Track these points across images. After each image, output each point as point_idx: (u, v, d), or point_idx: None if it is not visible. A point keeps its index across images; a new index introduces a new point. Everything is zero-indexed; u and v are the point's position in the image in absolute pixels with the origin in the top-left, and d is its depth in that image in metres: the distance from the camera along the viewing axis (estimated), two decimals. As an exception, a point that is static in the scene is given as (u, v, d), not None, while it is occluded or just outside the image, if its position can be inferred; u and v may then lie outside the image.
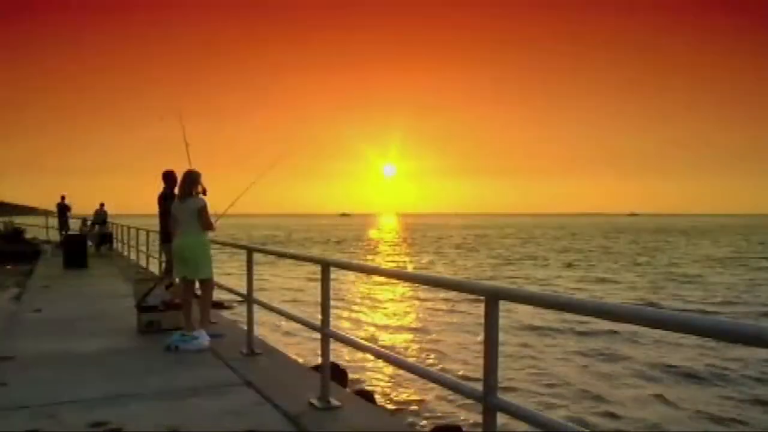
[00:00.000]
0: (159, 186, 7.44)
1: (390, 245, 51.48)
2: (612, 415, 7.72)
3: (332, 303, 4.02)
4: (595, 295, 19.30)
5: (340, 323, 13.64)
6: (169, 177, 7.22)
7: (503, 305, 2.30)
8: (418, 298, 17.98)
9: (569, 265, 30.15)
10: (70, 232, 18.05)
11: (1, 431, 3.44)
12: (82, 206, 21.91)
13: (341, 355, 9.77)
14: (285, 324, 12.26)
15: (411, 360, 9.09)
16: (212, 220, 5.96)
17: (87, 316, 7.38)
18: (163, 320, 6.33)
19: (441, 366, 9.99)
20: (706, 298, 18.52)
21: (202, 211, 5.76)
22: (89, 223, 20.41)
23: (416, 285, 18.32)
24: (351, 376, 8.87)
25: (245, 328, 5.62)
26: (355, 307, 16.57)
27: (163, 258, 8.89)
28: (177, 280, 6.33)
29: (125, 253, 16.64)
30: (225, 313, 10.25)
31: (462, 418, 7.34)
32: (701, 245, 48.58)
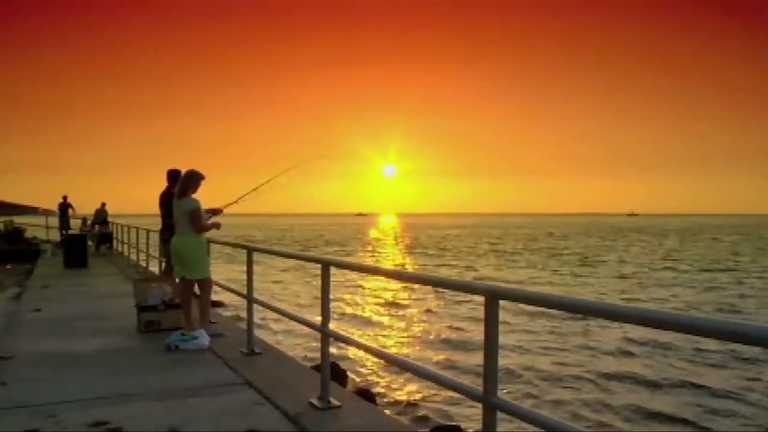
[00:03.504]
0: (159, 185, 7.44)
1: (354, 243, 54.87)
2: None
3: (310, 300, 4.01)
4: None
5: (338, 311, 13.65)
6: (173, 176, 7.22)
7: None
8: (412, 298, 17.99)
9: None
10: (70, 232, 18.05)
11: (1, 431, 3.44)
12: (83, 206, 21.92)
13: (341, 355, 9.78)
14: (285, 324, 12.27)
15: (411, 360, 9.09)
16: (207, 219, 5.96)
17: (87, 315, 7.37)
18: (163, 320, 6.33)
19: (439, 362, 9.99)
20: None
21: (195, 213, 5.74)
22: (89, 222, 20.41)
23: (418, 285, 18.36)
24: (351, 376, 8.88)
25: (245, 327, 5.62)
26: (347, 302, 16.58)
27: (163, 258, 8.89)
28: (177, 279, 6.33)
29: (125, 253, 16.64)
30: (225, 313, 10.25)
31: (462, 418, 7.34)
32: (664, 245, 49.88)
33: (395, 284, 20.05)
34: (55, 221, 22.14)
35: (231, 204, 6.64)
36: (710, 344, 10.96)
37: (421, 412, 7.69)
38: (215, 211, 6.41)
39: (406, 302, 17.46)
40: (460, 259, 34.00)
